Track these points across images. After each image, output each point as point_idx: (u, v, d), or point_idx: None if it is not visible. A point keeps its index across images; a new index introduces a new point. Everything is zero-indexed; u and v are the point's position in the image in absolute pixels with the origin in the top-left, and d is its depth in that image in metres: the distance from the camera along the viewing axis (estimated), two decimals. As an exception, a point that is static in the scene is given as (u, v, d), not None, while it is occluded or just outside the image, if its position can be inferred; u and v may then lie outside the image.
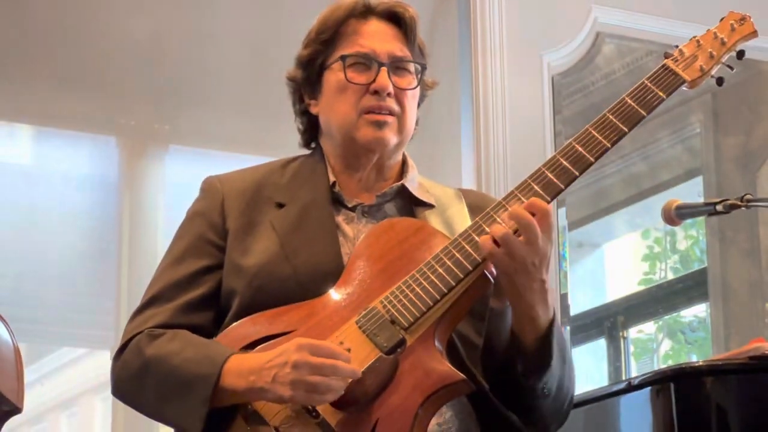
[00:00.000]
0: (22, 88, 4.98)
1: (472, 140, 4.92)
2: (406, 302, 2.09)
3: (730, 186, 5.93)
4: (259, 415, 2.07)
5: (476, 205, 2.33)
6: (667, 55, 2.24)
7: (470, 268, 2.10)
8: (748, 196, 2.53)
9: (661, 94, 2.18)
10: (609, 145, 2.15)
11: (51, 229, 5.07)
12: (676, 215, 2.36)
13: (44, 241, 5.05)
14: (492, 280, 2.13)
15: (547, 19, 5.12)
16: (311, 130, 2.39)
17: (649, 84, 2.19)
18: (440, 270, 2.10)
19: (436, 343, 2.09)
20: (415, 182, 2.34)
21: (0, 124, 5.15)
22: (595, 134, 2.16)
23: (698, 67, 2.22)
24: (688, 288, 6.66)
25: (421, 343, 2.08)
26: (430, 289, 2.10)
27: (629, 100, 2.17)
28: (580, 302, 5.34)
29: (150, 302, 2.27)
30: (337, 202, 2.29)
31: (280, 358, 2.02)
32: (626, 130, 2.16)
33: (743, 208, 2.63)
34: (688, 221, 2.81)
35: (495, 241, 2.06)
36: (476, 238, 2.10)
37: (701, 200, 2.34)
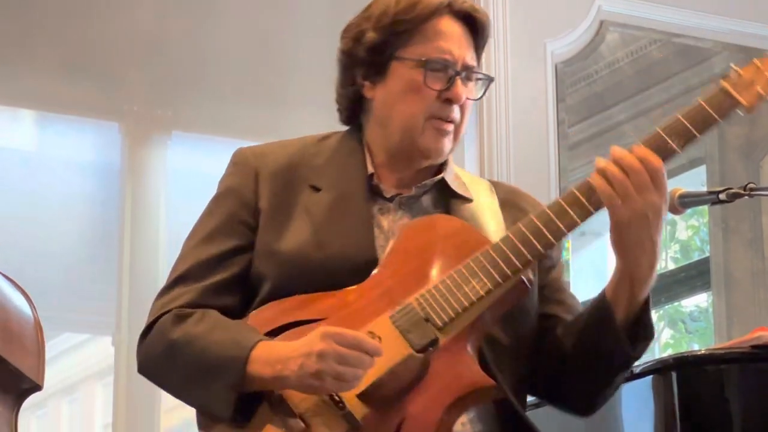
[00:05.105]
0: (25, 74, 4.98)
1: (475, 128, 4.91)
2: (442, 302, 2.07)
3: (733, 175, 5.93)
4: (284, 402, 2.05)
5: (507, 200, 2.31)
6: (724, 77, 2.17)
7: (509, 273, 2.08)
8: (752, 185, 2.52)
9: (716, 116, 2.13)
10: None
11: (53, 214, 5.07)
12: (679, 204, 2.35)
13: (46, 227, 5.06)
14: (529, 286, 2.12)
15: (551, 7, 5.12)
16: (353, 109, 2.32)
17: (704, 105, 2.13)
18: (479, 273, 2.08)
19: (468, 346, 2.08)
20: (451, 174, 2.30)
21: (3, 109, 5.15)
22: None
23: (756, 92, 2.14)
24: (691, 277, 6.67)
25: (454, 344, 2.06)
26: (467, 291, 2.07)
27: (683, 120, 2.12)
28: (582, 291, 5.34)
29: (178, 280, 2.21)
30: (374, 192, 2.25)
31: (305, 347, 2.00)
32: (678, 150, 2.12)
33: (746, 197, 2.62)
34: (690, 211, 2.80)
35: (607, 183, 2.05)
36: (518, 243, 2.09)
37: (704, 189, 2.32)
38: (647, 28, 5.39)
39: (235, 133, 5.20)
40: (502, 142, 4.88)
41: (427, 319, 2.07)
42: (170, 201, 5.12)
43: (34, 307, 2.58)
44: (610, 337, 2.12)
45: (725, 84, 2.15)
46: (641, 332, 2.13)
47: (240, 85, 5.18)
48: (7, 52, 4.96)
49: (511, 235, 2.11)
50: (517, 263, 2.09)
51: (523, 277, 2.10)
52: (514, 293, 2.11)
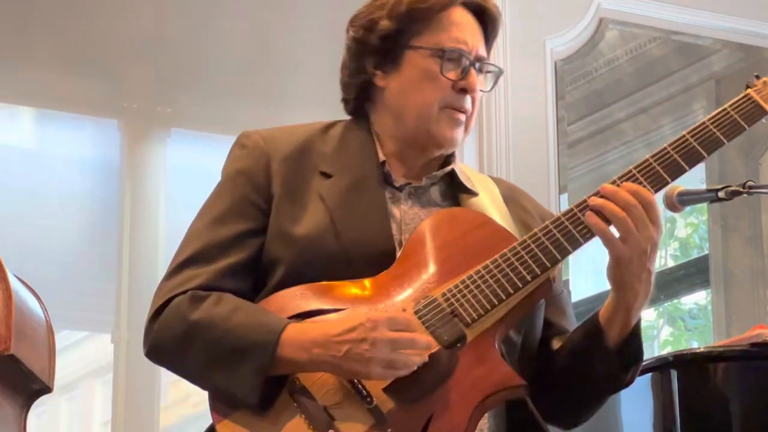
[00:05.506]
0: (24, 71, 4.98)
1: (475, 125, 4.90)
2: (470, 298, 2.06)
3: (732, 172, 5.93)
4: (307, 392, 2.02)
5: (509, 196, 2.31)
6: (749, 85, 2.20)
7: (538, 272, 2.08)
8: (751, 183, 2.53)
9: (743, 123, 2.17)
10: (687, 168, 2.14)
11: (52, 211, 5.07)
12: (678, 201, 2.35)
13: (46, 224, 5.05)
14: (553, 284, 2.13)
15: (551, 5, 5.11)
16: (361, 99, 2.31)
17: (731, 112, 2.16)
18: (508, 270, 2.08)
19: (496, 343, 2.07)
20: (458, 167, 2.30)
21: (2, 106, 5.15)
22: (673, 154, 2.14)
23: None
24: (690, 275, 6.66)
25: (482, 341, 2.05)
26: (497, 288, 2.07)
27: (710, 125, 2.15)
28: (582, 289, 5.34)
29: (189, 261, 2.16)
30: (385, 180, 2.24)
31: (353, 333, 1.98)
32: (705, 154, 2.15)
33: (745, 195, 2.63)
34: (689, 209, 2.80)
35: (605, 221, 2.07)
36: (546, 242, 2.09)
37: (703, 187, 2.33)
38: (647, 25, 5.39)
39: (234, 130, 5.12)
40: (502, 140, 4.88)
41: (455, 315, 2.05)
42: (170, 198, 5.11)
43: (45, 309, 2.59)
44: (603, 362, 2.13)
45: (750, 92, 2.19)
46: (632, 356, 2.14)
47: (240, 83, 5.18)
48: (6, 48, 4.96)
49: (539, 233, 2.11)
50: (547, 262, 2.09)
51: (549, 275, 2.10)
52: (538, 292, 2.11)
